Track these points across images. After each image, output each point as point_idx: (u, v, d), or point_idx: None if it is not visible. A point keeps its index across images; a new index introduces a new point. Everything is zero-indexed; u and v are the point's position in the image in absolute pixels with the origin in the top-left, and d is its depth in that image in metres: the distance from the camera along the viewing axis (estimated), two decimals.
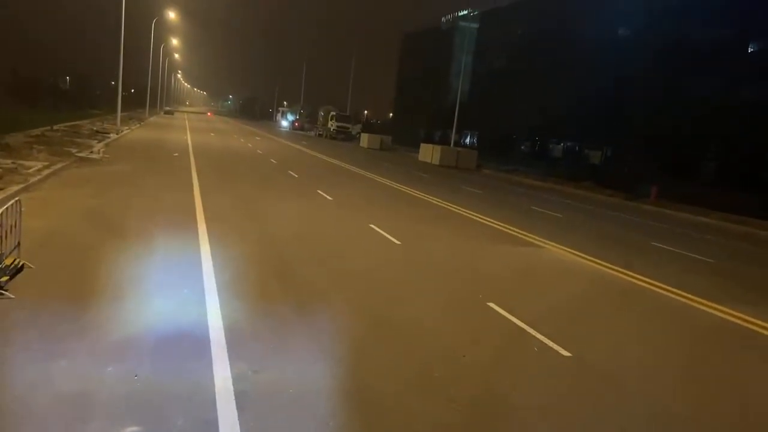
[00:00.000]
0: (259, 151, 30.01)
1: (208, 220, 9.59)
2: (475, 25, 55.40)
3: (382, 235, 10.17)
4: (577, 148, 43.08)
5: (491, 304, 6.58)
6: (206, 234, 8.55)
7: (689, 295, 8.22)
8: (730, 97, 29.69)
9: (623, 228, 15.84)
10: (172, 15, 51.38)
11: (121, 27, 30.59)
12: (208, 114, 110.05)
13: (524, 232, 12.17)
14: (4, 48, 51.45)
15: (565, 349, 5.43)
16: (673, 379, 5.22)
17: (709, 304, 7.89)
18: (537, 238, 11.70)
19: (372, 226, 10.89)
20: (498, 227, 12.66)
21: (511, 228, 12.62)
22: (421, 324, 5.75)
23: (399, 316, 5.91)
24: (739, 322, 7.23)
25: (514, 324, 6.03)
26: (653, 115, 33.43)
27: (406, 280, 7.50)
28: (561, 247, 10.99)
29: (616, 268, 9.57)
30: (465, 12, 59.63)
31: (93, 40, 75.52)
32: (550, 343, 5.52)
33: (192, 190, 13.00)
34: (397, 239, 9.87)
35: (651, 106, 33.77)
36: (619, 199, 24.61)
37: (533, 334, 5.77)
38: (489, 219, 13.67)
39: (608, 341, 5.99)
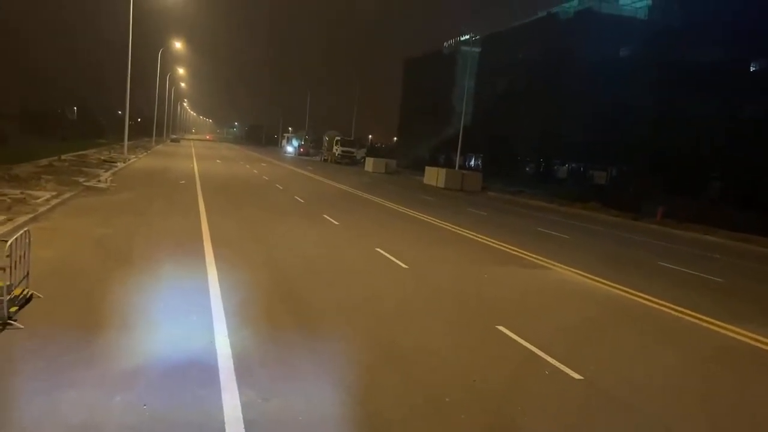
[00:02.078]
0: (265, 177, 30.19)
1: (215, 247, 9.62)
2: (477, 50, 56.06)
3: (389, 259, 10.15)
4: (581, 168, 43.15)
5: (500, 327, 6.53)
6: (213, 260, 8.57)
7: (699, 315, 8.14)
8: (733, 116, 29.79)
9: (631, 248, 15.76)
10: (178, 45, 52.30)
11: (128, 58, 31.10)
12: (207, 137, 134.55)
13: (531, 254, 12.12)
14: (13, 79, 52.37)
15: (577, 372, 5.37)
16: (685, 400, 5.14)
17: (719, 323, 7.80)
18: (544, 259, 11.66)
19: (378, 249, 10.89)
20: (505, 249, 12.62)
21: (518, 250, 12.58)
22: (429, 349, 5.71)
23: (407, 341, 5.87)
24: (749, 341, 7.14)
25: (524, 347, 5.97)
26: (657, 135, 33.52)
27: (413, 304, 7.46)
28: (569, 268, 10.94)
29: (625, 288, 9.50)
30: (467, 37, 60.41)
31: (100, 70, 76.80)
32: (561, 366, 5.46)
33: (199, 217, 13.06)
34: (404, 263, 9.86)
35: (654, 125, 33.89)
36: (625, 219, 24.54)
37: (544, 357, 5.71)
38: (495, 241, 13.64)
39: (619, 363, 5.92)
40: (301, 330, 5.87)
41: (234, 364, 4.75)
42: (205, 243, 9.98)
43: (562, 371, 5.38)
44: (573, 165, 44.37)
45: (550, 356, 5.71)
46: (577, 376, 5.29)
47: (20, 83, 53.24)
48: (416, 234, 14.00)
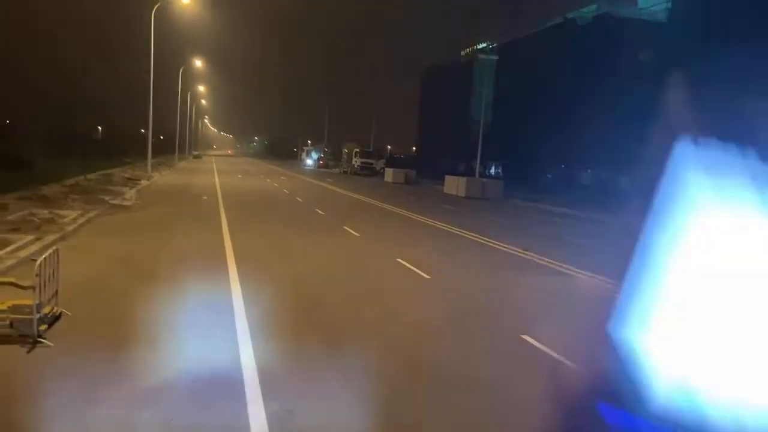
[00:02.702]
0: (285, 190, 30.44)
1: (238, 261, 9.70)
2: (494, 57, 56.06)
3: (411, 269, 10.13)
4: (605, 174, 42.65)
5: (525, 337, 6.45)
6: (236, 274, 8.64)
7: None
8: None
9: None
10: (198, 63, 53.25)
11: (150, 77, 31.75)
12: (229, 152, 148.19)
13: (555, 262, 11.99)
14: (39, 101, 53.80)
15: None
16: None
17: None
18: (569, 266, 11.52)
19: (400, 260, 10.88)
20: (528, 257, 12.51)
21: (542, 257, 12.45)
22: (454, 359, 5.66)
23: (431, 353, 5.83)
24: None
25: (550, 356, 5.89)
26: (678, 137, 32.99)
27: (436, 315, 7.43)
28: (594, 275, 10.78)
29: None
30: (483, 45, 60.47)
31: (124, 89, 78.49)
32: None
33: (221, 232, 13.21)
34: (426, 273, 9.82)
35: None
36: None
37: (570, 366, 5.61)
38: (518, 249, 13.53)
39: None
40: (323, 343, 5.88)
41: (259, 377, 4.77)
42: (228, 258, 10.08)
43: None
44: (596, 171, 43.90)
45: (576, 365, 5.61)
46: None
47: (45, 104, 54.67)
48: (438, 243, 13.96)
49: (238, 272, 8.82)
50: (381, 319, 6.95)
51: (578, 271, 11.12)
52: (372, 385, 4.83)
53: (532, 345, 6.21)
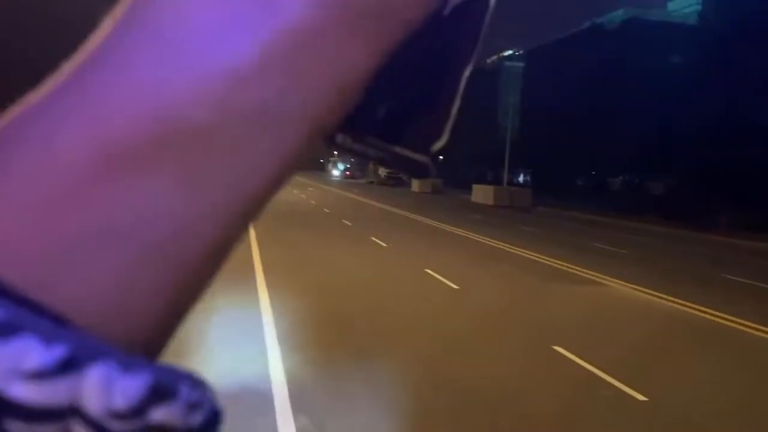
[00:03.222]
0: (312, 201, 30.66)
1: (266, 271, 9.77)
2: (521, 64, 55.74)
3: (439, 279, 10.05)
4: (637, 180, 41.88)
5: (557, 348, 6.32)
6: (264, 284, 8.69)
7: None
8: None
9: (693, 261, 15.08)
10: None
11: None
12: None
13: (587, 270, 11.76)
14: None
15: (641, 393, 5.11)
16: (761, 427, 4.81)
17: None
18: (601, 275, 11.28)
19: (428, 270, 10.80)
20: (558, 266, 12.30)
21: (573, 266, 12.23)
22: (484, 372, 5.57)
23: (461, 365, 5.75)
24: None
25: (583, 367, 5.75)
26: (716, 143, 32.22)
27: (466, 326, 7.34)
28: (627, 284, 10.54)
29: (688, 304, 9.06)
30: (510, 52, 60.22)
31: None
32: (624, 388, 5.22)
33: (249, 244, 13.34)
34: (455, 283, 9.73)
35: (714, 133, 32.60)
36: (686, 231, 23.57)
37: (603, 377, 5.48)
38: (548, 258, 13.32)
39: (687, 385, 5.61)
40: (352, 355, 5.85)
41: (289, 390, 4.76)
42: (256, 269, 10.16)
43: (625, 393, 5.14)
44: (627, 177, 43.12)
45: (611, 377, 5.48)
46: (641, 397, 5.04)
47: None
48: (466, 253, 13.84)
49: (266, 284, 8.87)
50: (410, 331, 6.89)
51: (611, 279, 10.88)
52: (402, 399, 4.78)
53: (564, 356, 6.07)
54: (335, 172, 79.94)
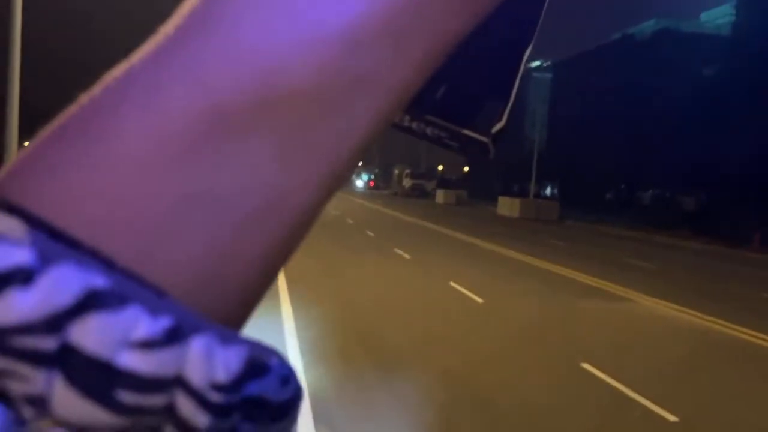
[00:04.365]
0: (335, 212, 30.77)
1: (289, 282, 9.78)
2: (549, 75, 55.36)
3: (464, 293, 9.94)
4: (667, 194, 41.03)
5: (585, 365, 6.16)
6: (287, 294, 8.70)
7: None
8: None
9: (726, 278, 14.65)
10: None
11: None
12: None
13: (616, 286, 11.51)
14: None
15: (672, 413, 4.94)
16: None
17: None
18: (630, 291, 11.02)
19: (452, 283, 10.69)
20: (586, 281, 12.07)
21: (601, 282, 11.98)
22: (509, 388, 5.45)
23: (485, 381, 5.64)
24: None
25: (612, 386, 5.59)
26: (748, 158, 31.42)
27: (491, 340, 7.21)
28: (658, 301, 10.28)
29: (721, 322, 8.77)
30: (538, 63, 59.89)
31: None
32: (654, 407, 5.05)
33: None
34: (480, 297, 9.60)
35: (746, 148, 31.81)
36: (718, 247, 22.96)
37: (633, 396, 5.31)
38: (575, 273, 13.08)
39: (719, 405, 5.40)
40: (375, 368, 5.79)
41: (311, 402, 4.71)
42: (278, 279, 10.17)
43: (655, 412, 4.97)
44: (657, 191, 42.28)
45: (641, 396, 5.30)
46: (672, 417, 4.87)
47: None
48: (491, 266, 13.68)
49: (289, 294, 8.87)
50: (434, 345, 6.81)
51: (641, 296, 10.62)
52: (425, 414, 4.69)
53: (593, 374, 5.91)
54: (359, 183, 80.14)
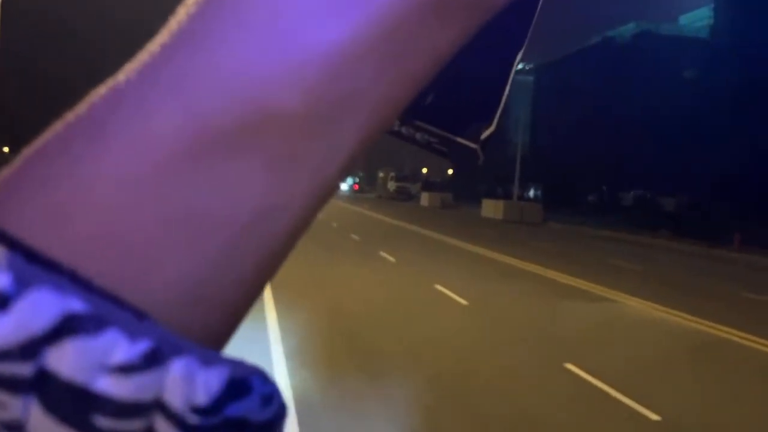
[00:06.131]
0: (319, 215, 30.51)
1: (273, 287, 9.71)
2: (531, 78, 55.86)
3: (448, 295, 9.95)
4: (648, 195, 41.57)
5: (569, 366, 6.19)
6: (272, 302, 8.64)
7: None
8: None
9: (708, 278, 14.86)
10: None
11: None
12: None
13: (599, 287, 11.61)
14: None
15: (654, 412, 4.98)
16: None
17: None
18: (614, 292, 11.13)
19: (437, 286, 10.71)
20: (569, 282, 12.16)
21: (584, 282, 12.08)
22: (494, 390, 5.47)
23: (471, 383, 5.65)
24: None
25: (595, 386, 5.63)
26: (728, 158, 31.96)
27: (475, 343, 7.23)
28: (641, 301, 10.38)
29: (704, 322, 8.89)
30: (520, 66, 60.37)
31: None
32: (636, 406, 5.10)
33: None
34: (464, 299, 9.63)
35: (726, 148, 32.36)
36: (700, 248, 23.28)
37: (616, 396, 5.35)
38: (559, 274, 13.18)
39: (701, 404, 5.47)
40: (361, 371, 5.77)
41: (296, 407, 4.68)
42: None
43: (638, 411, 5.01)
44: (638, 192, 42.82)
45: (624, 395, 5.35)
46: (654, 416, 4.91)
47: None
48: (476, 269, 13.73)
49: (273, 299, 8.82)
50: (419, 347, 6.80)
51: (624, 296, 10.72)
52: (411, 417, 4.68)
53: (576, 374, 5.95)
54: (343, 186, 79.68)
